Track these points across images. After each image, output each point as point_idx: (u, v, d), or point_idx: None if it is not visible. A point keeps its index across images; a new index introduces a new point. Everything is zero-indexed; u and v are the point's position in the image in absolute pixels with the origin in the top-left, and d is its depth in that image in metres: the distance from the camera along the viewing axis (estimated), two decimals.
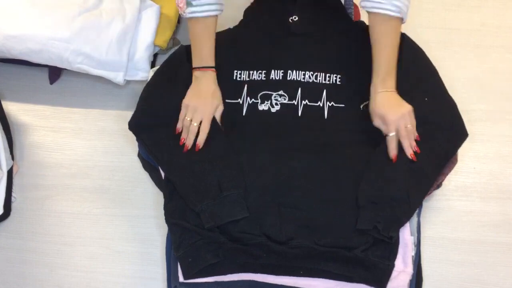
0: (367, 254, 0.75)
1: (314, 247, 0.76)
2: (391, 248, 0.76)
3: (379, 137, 0.82)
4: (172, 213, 0.81)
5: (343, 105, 0.85)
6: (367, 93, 0.84)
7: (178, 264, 0.80)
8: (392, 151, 0.79)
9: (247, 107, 0.86)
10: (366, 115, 0.84)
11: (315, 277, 0.77)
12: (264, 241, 0.77)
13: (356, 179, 0.79)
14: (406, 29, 0.95)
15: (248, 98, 0.86)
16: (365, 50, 0.85)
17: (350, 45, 0.89)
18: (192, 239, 0.78)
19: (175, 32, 1.06)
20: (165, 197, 0.83)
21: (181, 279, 0.80)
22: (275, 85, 0.87)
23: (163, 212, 0.82)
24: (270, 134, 0.84)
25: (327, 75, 0.87)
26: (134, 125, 0.87)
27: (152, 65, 1.03)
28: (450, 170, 0.85)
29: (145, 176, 0.96)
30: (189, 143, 0.81)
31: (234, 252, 0.77)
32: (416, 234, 0.82)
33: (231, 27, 0.94)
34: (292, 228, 0.77)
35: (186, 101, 0.83)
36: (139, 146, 0.90)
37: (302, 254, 0.76)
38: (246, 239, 0.77)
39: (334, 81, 0.87)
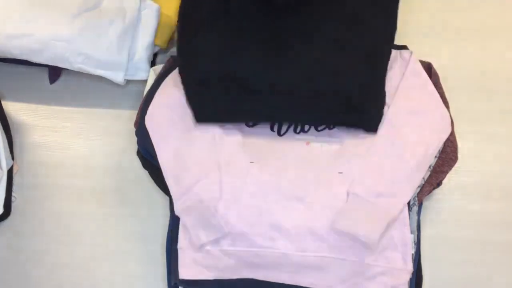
0: (360, 100, 0.82)
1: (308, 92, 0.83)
2: (382, 97, 0.84)
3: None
4: None
5: None
6: None
7: (178, 261, 0.81)
8: None
9: None
10: None
11: (308, 123, 0.85)
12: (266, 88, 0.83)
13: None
14: (405, 29, 0.95)
15: None
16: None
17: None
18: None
19: (175, 32, 1.06)
20: None
21: (180, 276, 0.80)
22: None
23: (163, 211, 0.82)
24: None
25: None
26: None
27: (152, 64, 1.03)
28: (450, 169, 0.85)
29: (145, 175, 0.96)
30: None
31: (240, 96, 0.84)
32: (416, 233, 0.82)
33: None
34: (292, 74, 0.83)
35: None
36: (138, 143, 0.90)
37: (299, 100, 0.83)
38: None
39: None
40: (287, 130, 0.87)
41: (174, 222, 0.85)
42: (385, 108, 0.86)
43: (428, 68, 0.91)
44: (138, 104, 0.93)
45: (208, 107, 0.86)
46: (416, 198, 0.84)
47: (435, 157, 0.85)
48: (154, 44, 1.01)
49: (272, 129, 0.87)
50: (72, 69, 0.98)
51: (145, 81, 0.97)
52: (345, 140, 0.85)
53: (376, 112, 0.84)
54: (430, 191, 0.86)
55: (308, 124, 0.87)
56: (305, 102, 0.84)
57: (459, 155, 0.87)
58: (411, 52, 0.90)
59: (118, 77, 0.98)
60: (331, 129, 0.86)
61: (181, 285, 0.83)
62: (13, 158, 0.99)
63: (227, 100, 0.85)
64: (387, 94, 0.87)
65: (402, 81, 0.88)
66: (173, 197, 0.84)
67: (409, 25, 1.00)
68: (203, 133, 0.86)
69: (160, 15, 1.01)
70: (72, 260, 0.94)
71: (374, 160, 0.82)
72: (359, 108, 0.84)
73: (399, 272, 0.78)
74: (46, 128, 1.03)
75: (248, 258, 0.80)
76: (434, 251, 0.90)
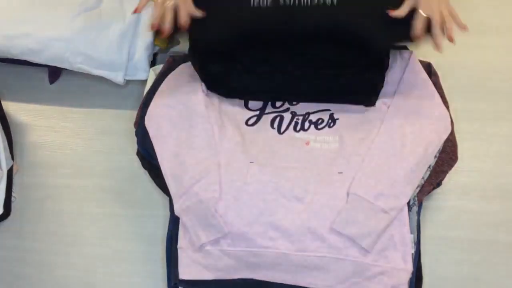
0: (361, 75, 0.84)
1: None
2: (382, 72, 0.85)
3: None
4: None
5: None
6: None
7: (178, 261, 0.81)
8: (417, 31, 0.75)
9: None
10: None
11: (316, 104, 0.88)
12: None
13: None
14: None
15: None
16: None
17: None
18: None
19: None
20: None
21: (180, 276, 0.80)
22: None
23: (163, 211, 0.82)
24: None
25: None
26: None
27: (152, 64, 1.03)
28: (450, 168, 0.85)
29: (145, 175, 0.96)
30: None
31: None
32: (416, 232, 0.82)
33: None
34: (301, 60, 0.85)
35: None
36: (138, 143, 0.90)
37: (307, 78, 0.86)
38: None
39: None
40: (287, 128, 0.87)
41: (174, 222, 0.86)
42: (385, 107, 0.86)
43: (428, 68, 0.91)
44: (138, 104, 0.94)
45: (218, 82, 0.90)
46: (416, 198, 0.84)
47: (435, 156, 0.85)
48: (154, 44, 1.01)
49: (272, 126, 0.87)
50: (72, 69, 0.98)
51: (145, 81, 0.97)
52: (344, 140, 0.85)
53: (371, 85, 0.86)
54: (430, 191, 0.86)
55: (308, 100, 0.89)
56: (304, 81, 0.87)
57: (459, 155, 0.87)
58: (411, 52, 0.91)
59: (118, 77, 0.98)
60: (331, 127, 0.86)
61: (181, 285, 0.83)
62: (13, 158, 0.99)
63: (230, 77, 0.88)
64: (386, 94, 0.87)
65: (402, 81, 0.88)
66: (173, 197, 0.84)
67: None
68: (203, 133, 0.86)
69: None
70: (72, 260, 0.95)
71: (374, 160, 0.82)
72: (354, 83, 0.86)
73: (399, 272, 0.78)
74: (46, 128, 1.03)
75: (248, 258, 0.80)
76: (434, 251, 0.90)
